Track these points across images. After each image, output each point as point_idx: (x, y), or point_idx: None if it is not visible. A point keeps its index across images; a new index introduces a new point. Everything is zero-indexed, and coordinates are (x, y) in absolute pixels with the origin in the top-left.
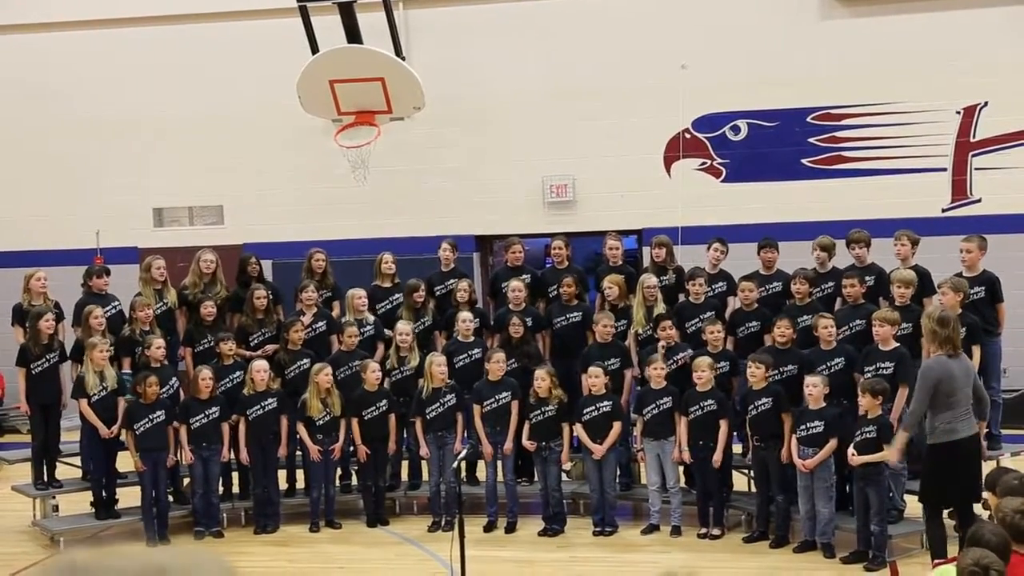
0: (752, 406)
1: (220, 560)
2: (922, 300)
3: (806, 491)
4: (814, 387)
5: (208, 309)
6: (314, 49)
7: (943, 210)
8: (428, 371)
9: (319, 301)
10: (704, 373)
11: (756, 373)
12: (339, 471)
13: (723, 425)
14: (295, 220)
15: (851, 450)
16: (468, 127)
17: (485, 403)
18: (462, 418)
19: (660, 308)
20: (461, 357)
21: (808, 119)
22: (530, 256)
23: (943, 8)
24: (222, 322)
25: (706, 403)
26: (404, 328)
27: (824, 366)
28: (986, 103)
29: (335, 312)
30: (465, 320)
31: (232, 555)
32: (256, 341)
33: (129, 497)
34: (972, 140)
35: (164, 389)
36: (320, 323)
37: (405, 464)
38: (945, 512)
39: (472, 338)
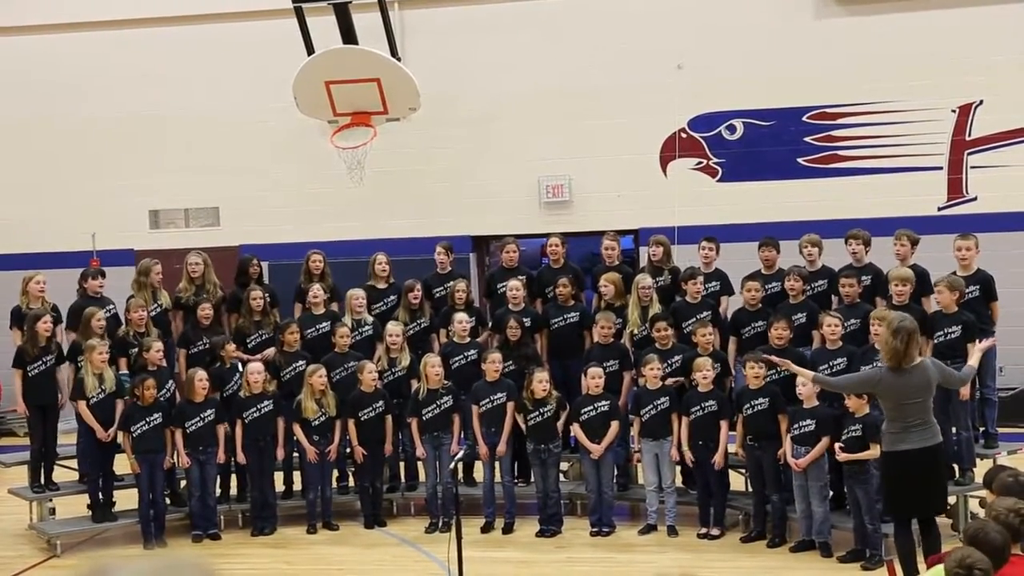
0: (748, 405)
1: (202, 564)
2: (921, 299)
3: (801, 490)
4: (803, 386)
5: (205, 311)
6: (310, 50)
7: (939, 208)
8: (424, 373)
9: (325, 300)
10: (705, 373)
11: (756, 373)
12: (336, 472)
13: (723, 426)
14: (291, 222)
15: (837, 446)
16: (464, 128)
17: (482, 403)
18: (458, 419)
19: (655, 308)
20: (457, 358)
21: (804, 118)
22: (527, 256)
23: (938, 7)
24: (218, 324)
25: (707, 404)
26: (394, 329)
27: (827, 365)
28: (981, 101)
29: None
30: (461, 321)
31: (229, 557)
32: (253, 343)
33: (126, 500)
34: (968, 138)
35: (161, 392)
36: (324, 323)
37: (402, 465)
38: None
39: (468, 339)
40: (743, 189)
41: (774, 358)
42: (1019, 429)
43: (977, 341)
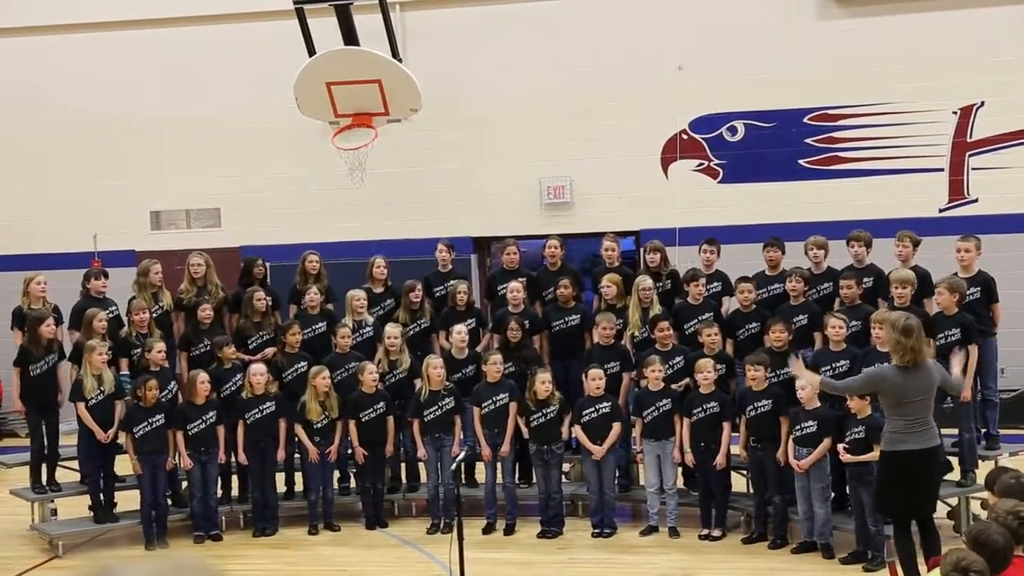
0: (751, 407)
1: (206, 565)
2: (922, 301)
3: (803, 491)
4: (802, 389)
5: (205, 312)
6: (311, 51)
7: (940, 210)
8: (426, 373)
9: (321, 302)
10: (707, 375)
11: (757, 375)
12: (337, 473)
13: (725, 427)
14: (292, 223)
15: (841, 447)
16: (465, 129)
17: (483, 405)
18: (460, 420)
19: (656, 310)
20: (454, 376)
21: (805, 119)
22: (528, 258)
23: (940, 8)
24: (219, 325)
25: (709, 405)
26: (393, 331)
27: (829, 367)
28: (983, 103)
29: None
30: (460, 332)
31: (231, 558)
32: (255, 344)
33: (128, 501)
34: (969, 140)
35: (164, 393)
36: (320, 324)
37: (403, 466)
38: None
39: (466, 351)
40: (744, 190)
41: (796, 371)
42: (1021, 431)
43: (956, 349)
